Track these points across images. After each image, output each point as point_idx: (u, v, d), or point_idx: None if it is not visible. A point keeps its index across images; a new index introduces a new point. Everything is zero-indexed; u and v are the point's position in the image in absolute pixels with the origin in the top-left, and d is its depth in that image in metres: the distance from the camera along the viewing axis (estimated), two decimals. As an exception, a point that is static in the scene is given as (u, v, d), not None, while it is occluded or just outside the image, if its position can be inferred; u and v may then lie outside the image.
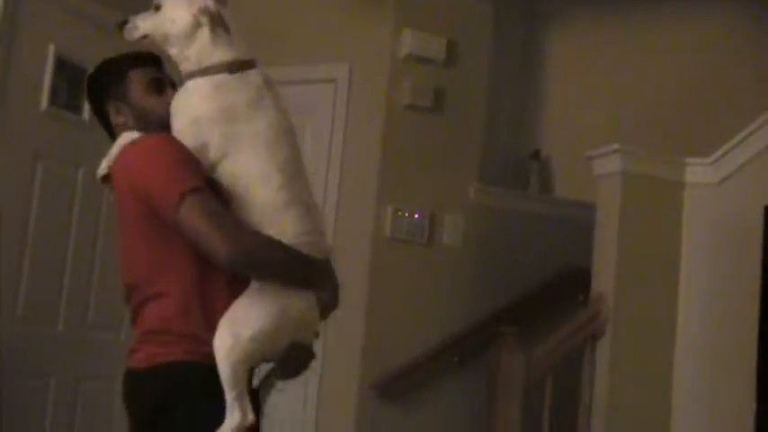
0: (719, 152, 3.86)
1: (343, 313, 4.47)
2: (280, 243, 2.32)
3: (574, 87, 4.94)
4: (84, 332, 4.32)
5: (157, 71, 2.51)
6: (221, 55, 2.37)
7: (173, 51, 2.42)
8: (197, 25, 2.38)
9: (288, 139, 2.44)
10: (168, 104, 2.43)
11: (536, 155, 4.85)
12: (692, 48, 4.77)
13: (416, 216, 4.49)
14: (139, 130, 2.46)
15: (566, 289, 4.57)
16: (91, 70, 2.64)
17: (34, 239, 4.06)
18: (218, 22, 2.39)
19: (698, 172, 3.90)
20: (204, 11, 2.38)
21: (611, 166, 3.84)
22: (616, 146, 3.81)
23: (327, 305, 2.47)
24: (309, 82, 4.73)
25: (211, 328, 2.30)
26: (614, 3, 4.96)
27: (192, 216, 2.28)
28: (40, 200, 4.08)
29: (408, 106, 4.55)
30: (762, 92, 4.22)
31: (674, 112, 4.73)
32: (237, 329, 2.28)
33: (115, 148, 2.44)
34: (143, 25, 2.43)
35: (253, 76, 2.41)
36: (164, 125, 2.44)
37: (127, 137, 2.44)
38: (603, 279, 3.84)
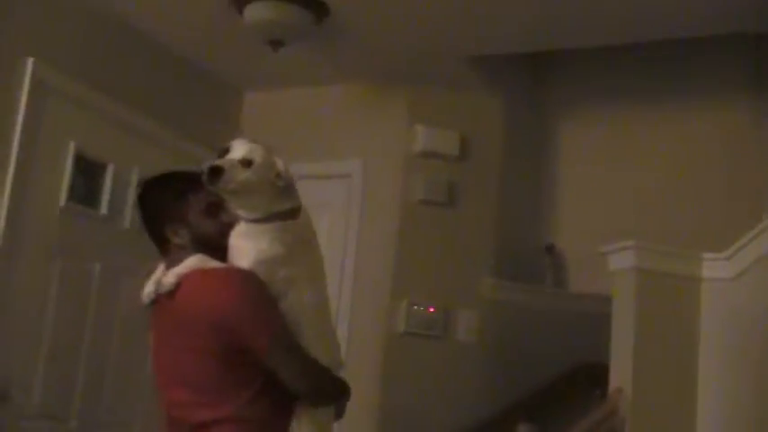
0: (734, 247, 3.86)
1: (356, 408, 4.49)
2: (327, 371, 2.64)
3: (586, 180, 4.98)
4: (97, 429, 4.28)
5: (211, 194, 2.66)
6: (285, 204, 2.64)
7: (241, 200, 2.63)
8: (275, 184, 2.62)
9: (323, 269, 2.73)
10: (222, 226, 2.68)
11: (550, 248, 4.87)
12: (706, 139, 4.82)
13: (431, 310, 4.49)
14: (194, 250, 2.67)
15: (581, 384, 4.54)
16: (143, 182, 2.83)
17: (49, 335, 4.06)
18: (293, 184, 2.67)
19: (713, 267, 3.89)
20: (285, 173, 2.64)
21: (625, 262, 3.84)
22: (631, 242, 3.82)
23: (338, 415, 2.73)
24: (325, 177, 4.78)
25: None
26: (625, 95, 5.03)
27: (281, 354, 2.58)
28: (56, 295, 4.09)
29: (422, 201, 4.60)
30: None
31: (690, 206, 4.76)
32: None
33: (182, 269, 2.63)
34: (237, 180, 2.59)
35: (303, 216, 2.68)
36: (217, 246, 2.68)
37: (196, 261, 2.64)
38: (621, 374, 3.81)
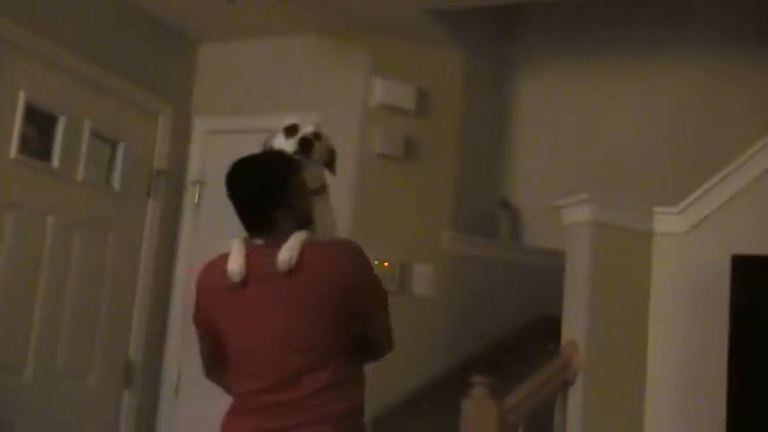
0: (686, 202, 3.90)
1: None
2: None
3: (543, 136, 4.98)
4: (52, 382, 4.26)
5: (303, 178, 2.94)
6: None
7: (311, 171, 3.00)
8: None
9: None
10: (309, 203, 2.96)
11: (506, 203, 4.88)
12: (659, 99, 4.84)
13: (386, 265, 4.49)
14: (295, 228, 2.87)
15: (538, 338, 4.57)
16: (237, 166, 2.93)
17: (2, 288, 4.02)
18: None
19: (666, 221, 3.93)
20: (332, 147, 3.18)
21: (579, 216, 3.86)
22: (585, 195, 3.84)
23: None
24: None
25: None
26: (584, 54, 5.04)
27: (384, 317, 2.95)
28: (8, 248, 4.05)
29: (380, 155, 4.58)
30: (728, 142, 4.28)
31: (642, 162, 4.79)
32: None
33: (296, 243, 2.80)
34: (317, 151, 3.07)
35: None
36: (309, 223, 2.95)
37: (305, 236, 2.85)
38: (574, 327, 3.85)
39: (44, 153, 4.24)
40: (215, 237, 4.76)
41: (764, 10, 4.70)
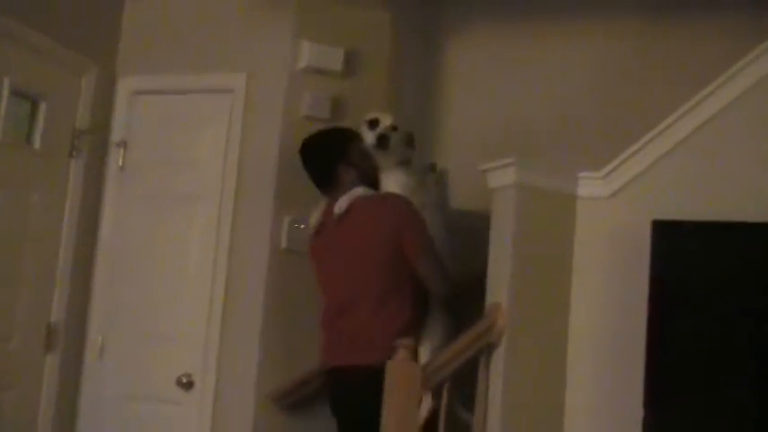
0: (610, 167, 3.95)
1: (239, 324, 4.50)
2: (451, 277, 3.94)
3: (473, 99, 4.98)
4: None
5: (360, 143, 4.02)
6: (405, 154, 4.16)
7: (388, 155, 4.00)
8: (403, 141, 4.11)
9: None
10: (373, 166, 4.01)
11: (432, 167, 4.88)
12: (586, 63, 4.85)
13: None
14: (357, 185, 3.91)
15: (464, 299, 4.60)
16: (308, 139, 4.12)
17: None
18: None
19: (589, 185, 3.98)
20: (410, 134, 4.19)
21: (505, 179, 3.89)
22: (510, 159, 3.87)
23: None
24: (206, 91, 4.69)
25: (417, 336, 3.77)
26: (515, 16, 5.02)
27: (429, 263, 3.82)
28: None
29: (306, 117, 4.55)
30: (650, 108, 4.33)
31: (570, 126, 4.81)
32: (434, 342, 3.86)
33: (352, 195, 3.86)
34: (393, 143, 4.01)
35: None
36: (372, 181, 3.95)
37: (362, 191, 3.90)
38: (498, 290, 3.89)
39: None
40: (139, 198, 4.76)
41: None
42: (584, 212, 3.97)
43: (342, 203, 3.82)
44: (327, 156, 3.97)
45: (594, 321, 3.93)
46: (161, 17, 4.86)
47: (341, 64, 4.61)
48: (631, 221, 3.87)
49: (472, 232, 4.24)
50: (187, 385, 4.50)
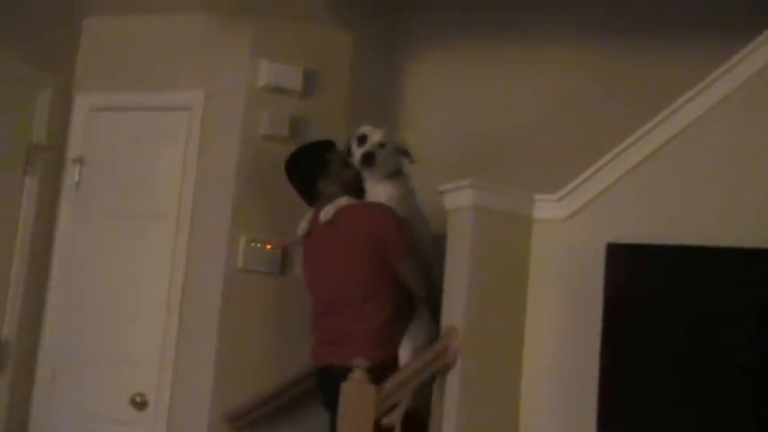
0: (566, 189, 3.97)
1: (194, 344, 4.46)
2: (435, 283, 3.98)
3: (431, 119, 4.99)
4: None
5: (338, 152, 4.18)
6: (397, 165, 4.21)
7: (375, 169, 4.08)
8: (395, 154, 4.17)
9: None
10: (354, 176, 4.12)
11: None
12: (545, 85, 4.89)
13: (268, 247, 4.46)
14: (340, 195, 4.03)
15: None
16: (294, 153, 4.25)
17: None
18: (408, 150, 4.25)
19: (546, 208, 3.99)
20: (402, 145, 4.26)
21: (462, 201, 3.89)
22: (467, 181, 3.87)
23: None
24: (163, 109, 4.67)
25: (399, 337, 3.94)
26: (472, 38, 5.04)
27: (410, 266, 3.95)
28: None
29: (264, 136, 4.54)
30: (607, 131, 4.35)
31: (528, 148, 4.84)
32: (416, 343, 3.93)
33: (336, 204, 3.99)
34: (380, 160, 4.07)
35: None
36: (351, 190, 4.08)
37: (346, 199, 4.02)
38: (454, 312, 3.88)
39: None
40: (95, 215, 4.71)
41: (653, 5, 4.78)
42: (539, 234, 3.98)
43: (328, 211, 3.97)
44: (308, 171, 4.13)
45: (550, 343, 3.93)
46: (120, 33, 4.84)
47: (300, 83, 4.61)
48: (586, 244, 3.88)
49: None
50: (141, 405, 4.45)
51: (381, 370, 3.67)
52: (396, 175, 4.13)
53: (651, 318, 3.72)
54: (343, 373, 3.61)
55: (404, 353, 3.96)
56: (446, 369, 3.85)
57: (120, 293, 4.62)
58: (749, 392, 3.58)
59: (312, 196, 4.15)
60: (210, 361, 4.40)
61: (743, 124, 3.84)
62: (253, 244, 4.44)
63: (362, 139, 4.07)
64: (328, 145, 4.19)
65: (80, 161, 4.75)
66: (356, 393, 3.59)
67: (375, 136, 4.08)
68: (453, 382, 3.82)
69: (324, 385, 4.03)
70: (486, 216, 3.90)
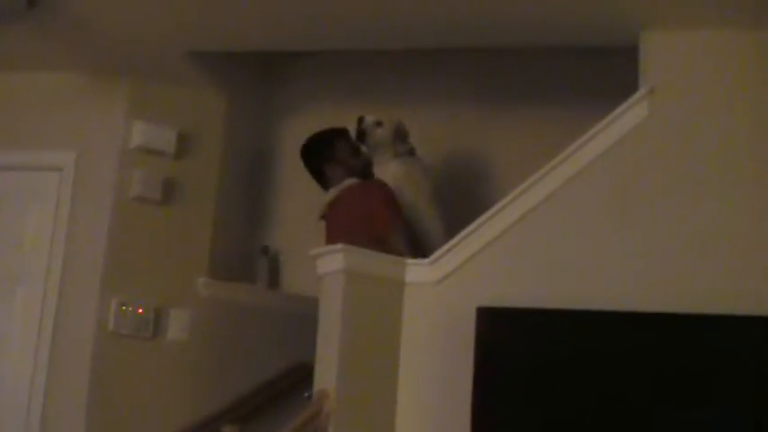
0: (438, 253, 4.02)
1: (62, 408, 4.35)
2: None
3: (304, 183, 5.00)
4: None
5: (349, 140, 4.37)
6: (399, 148, 4.39)
7: (376, 150, 4.35)
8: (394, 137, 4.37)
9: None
10: (362, 161, 4.36)
11: (265, 250, 4.89)
12: (420, 147, 4.96)
13: (140, 311, 4.40)
14: (346, 178, 4.26)
15: (294, 385, 4.58)
16: (306, 141, 4.42)
17: None
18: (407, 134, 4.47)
19: (417, 272, 4.02)
20: (401, 128, 4.43)
21: (334, 265, 3.90)
22: (340, 245, 3.90)
23: None
24: (34, 168, 4.60)
25: None
26: (343, 99, 5.09)
27: (397, 240, 4.05)
28: None
29: (137, 198, 4.50)
30: (483, 196, 4.46)
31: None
32: None
33: (339, 187, 4.24)
34: (375, 137, 4.32)
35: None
36: (358, 174, 4.30)
37: (348, 182, 4.25)
38: (326, 375, 3.87)
39: None
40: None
41: (526, 66, 4.92)
42: (411, 298, 4.01)
43: (331, 194, 4.23)
44: (316, 158, 4.34)
45: (422, 406, 3.95)
46: (-11, 90, 4.75)
47: (173, 145, 4.59)
48: (457, 307, 3.93)
49: (303, 318, 4.24)
50: (5, 477, 4.31)
51: None
52: (404, 155, 4.33)
53: (520, 380, 3.78)
54: None
55: None
56: (319, 432, 3.83)
57: (-15, 356, 4.48)
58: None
59: (323, 181, 4.34)
60: (81, 425, 4.30)
61: (606, 192, 3.97)
62: (124, 307, 4.37)
63: (360, 121, 4.31)
64: (339, 132, 4.37)
65: (-54, 220, 4.61)
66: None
67: (371, 116, 4.32)
68: (326, 446, 3.80)
69: None
70: (357, 280, 3.92)
